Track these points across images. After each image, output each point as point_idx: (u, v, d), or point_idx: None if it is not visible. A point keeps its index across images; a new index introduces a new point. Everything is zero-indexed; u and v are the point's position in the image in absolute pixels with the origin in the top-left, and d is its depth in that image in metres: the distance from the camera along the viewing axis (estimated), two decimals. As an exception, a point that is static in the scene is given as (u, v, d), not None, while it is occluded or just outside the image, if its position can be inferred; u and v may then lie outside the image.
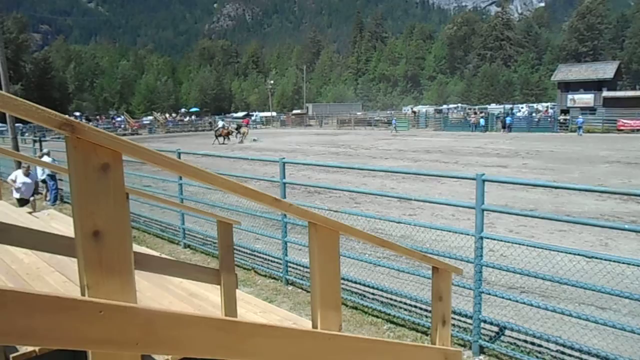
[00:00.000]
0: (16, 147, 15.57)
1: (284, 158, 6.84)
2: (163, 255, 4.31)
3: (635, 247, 7.75)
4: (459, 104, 79.59)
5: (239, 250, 7.71)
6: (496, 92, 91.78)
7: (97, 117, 70.71)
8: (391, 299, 5.96)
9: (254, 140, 36.36)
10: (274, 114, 74.14)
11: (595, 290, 4.16)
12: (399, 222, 5.81)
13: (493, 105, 68.90)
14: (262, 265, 7.45)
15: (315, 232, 1.84)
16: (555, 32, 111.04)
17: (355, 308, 5.90)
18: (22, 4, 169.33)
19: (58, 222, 6.11)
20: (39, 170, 11.79)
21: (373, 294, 6.10)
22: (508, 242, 4.79)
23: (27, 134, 29.83)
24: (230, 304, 2.99)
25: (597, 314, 4.59)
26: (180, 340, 1.26)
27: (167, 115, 68.63)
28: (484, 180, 4.58)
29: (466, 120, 47.38)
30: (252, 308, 3.94)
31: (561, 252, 4.37)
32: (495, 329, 5.06)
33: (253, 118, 66.89)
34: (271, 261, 7.49)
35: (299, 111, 77.36)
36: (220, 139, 34.76)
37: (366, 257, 6.59)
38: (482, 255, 4.69)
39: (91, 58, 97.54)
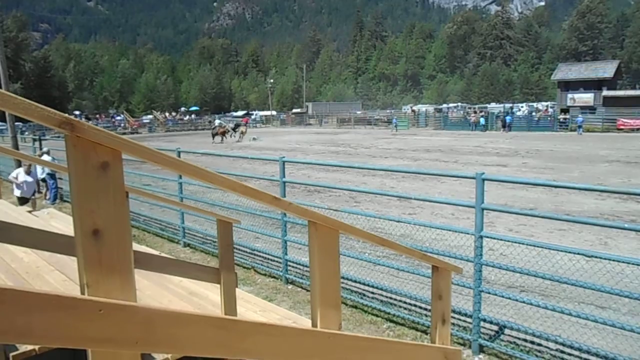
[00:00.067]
0: (16, 146, 15.55)
1: (283, 157, 6.83)
2: (163, 254, 4.31)
3: (635, 246, 7.76)
4: (459, 103, 79.59)
5: (239, 249, 7.71)
6: (496, 91, 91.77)
7: (97, 116, 70.74)
8: (391, 298, 5.96)
9: (254, 139, 36.37)
10: (274, 113, 74.11)
11: (595, 289, 4.16)
12: (398, 221, 5.81)
13: (493, 105, 68.91)
14: (261, 264, 7.45)
15: (315, 231, 1.84)
16: (555, 31, 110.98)
17: (355, 307, 5.90)
18: (21, 2, 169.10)
19: (58, 221, 6.11)
20: (39, 169, 11.79)
21: (373, 292, 6.10)
22: (508, 241, 4.79)
23: (26, 133, 29.82)
24: (230, 302, 2.99)
25: (596, 313, 4.60)
26: (180, 338, 1.26)
27: (167, 114, 68.64)
28: (483, 180, 4.58)
29: (466, 120, 47.40)
30: (252, 307, 3.94)
31: (561, 251, 4.38)
32: (495, 327, 5.06)
33: (253, 117, 66.86)
34: (271, 260, 7.49)
35: (298, 110, 77.33)
36: (217, 138, 34.77)
37: (366, 256, 6.60)
38: (481, 254, 4.69)
39: (91, 57, 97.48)
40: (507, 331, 4.98)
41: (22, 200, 10.62)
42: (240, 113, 73.39)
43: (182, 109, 79.64)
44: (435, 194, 12.33)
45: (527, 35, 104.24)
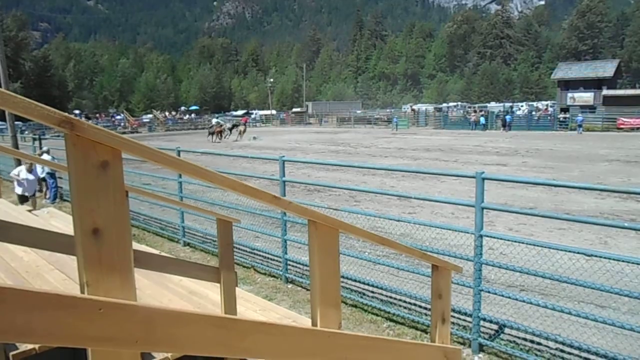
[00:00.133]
0: (16, 145, 15.55)
1: (283, 156, 6.83)
2: (163, 253, 4.31)
3: (635, 245, 7.76)
4: (459, 102, 79.58)
5: (239, 249, 7.71)
6: (496, 90, 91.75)
7: (97, 115, 70.70)
8: (391, 297, 5.96)
9: (254, 138, 36.39)
10: (274, 112, 74.11)
11: (595, 289, 4.16)
12: (398, 220, 5.81)
13: (493, 104, 68.91)
14: (261, 263, 7.45)
15: (315, 230, 1.84)
16: (555, 30, 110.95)
17: (355, 306, 5.91)
18: (21, 2, 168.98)
19: (58, 220, 6.11)
20: (39, 168, 11.80)
21: (373, 292, 6.10)
22: (508, 240, 4.78)
23: (26, 132, 29.81)
24: (229, 302, 2.99)
25: (596, 312, 4.60)
26: (180, 338, 1.26)
27: (167, 113, 68.65)
28: (483, 179, 4.58)
29: (466, 119, 47.42)
30: (252, 306, 3.94)
31: (561, 250, 4.38)
32: (495, 327, 5.06)
33: (253, 116, 66.85)
34: (271, 259, 7.49)
35: (298, 109, 77.33)
36: (214, 137, 34.77)
37: (366, 255, 6.60)
38: (481, 254, 4.69)
39: (91, 56, 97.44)
40: (507, 330, 4.99)
41: (23, 198, 10.64)
42: (240, 112, 73.41)
43: (182, 108, 79.66)
44: (435, 193, 12.33)
45: (527, 34, 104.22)
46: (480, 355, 4.76)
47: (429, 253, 2.87)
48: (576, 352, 4.50)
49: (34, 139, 15.28)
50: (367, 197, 12.06)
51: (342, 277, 5.83)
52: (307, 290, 6.28)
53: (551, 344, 4.65)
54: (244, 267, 7.41)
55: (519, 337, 4.87)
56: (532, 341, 4.78)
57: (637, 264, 3.91)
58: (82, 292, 1.20)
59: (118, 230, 1.25)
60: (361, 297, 5.98)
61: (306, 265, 6.54)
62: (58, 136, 16.07)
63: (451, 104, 77.73)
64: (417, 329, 5.31)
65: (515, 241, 4.71)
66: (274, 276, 7.08)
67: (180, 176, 8.66)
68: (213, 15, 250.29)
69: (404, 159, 21.45)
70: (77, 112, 67.90)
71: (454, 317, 5.06)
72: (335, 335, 1.82)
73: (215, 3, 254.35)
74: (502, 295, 4.79)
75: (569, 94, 44.94)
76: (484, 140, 30.84)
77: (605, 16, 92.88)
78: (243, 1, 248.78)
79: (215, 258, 7.39)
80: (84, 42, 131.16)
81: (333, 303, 1.92)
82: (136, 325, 1.16)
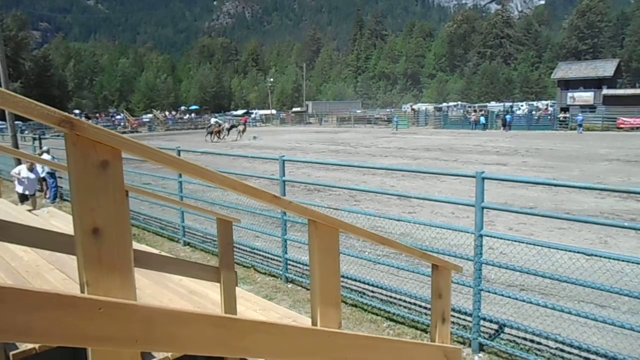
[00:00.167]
0: (16, 145, 15.56)
1: (283, 156, 6.83)
2: (163, 253, 4.31)
3: (635, 244, 7.76)
4: (459, 102, 79.61)
5: (239, 248, 7.72)
6: (496, 90, 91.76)
7: (97, 114, 70.69)
8: (391, 297, 5.96)
9: (254, 137, 36.42)
10: (274, 111, 74.11)
11: (595, 288, 4.16)
12: (398, 220, 5.81)
13: (493, 103, 68.93)
14: (261, 263, 7.45)
15: (315, 229, 1.84)
16: (555, 30, 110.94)
17: (355, 306, 5.91)
18: (21, 1, 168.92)
19: (57, 220, 6.12)
20: (39, 167, 11.81)
21: (373, 291, 6.10)
22: (508, 239, 4.78)
23: (26, 132, 29.81)
24: (229, 301, 2.99)
25: (596, 312, 4.60)
26: (180, 337, 1.26)
27: (167, 113, 68.64)
28: (483, 178, 4.58)
29: (466, 118, 47.41)
30: (252, 305, 3.94)
31: (561, 249, 4.38)
32: (495, 326, 5.06)
33: (253, 116, 66.85)
34: (271, 259, 7.50)
35: (298, 109, 77.34)
36: (212, 136, 34.78)
37: (366, 254, 6.60)
38: (481, 253, 4.69)
39: (91, 56, 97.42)
40: (506, 330, 4.99)
41: (23, 197, 10.64)
42: (240, 112, 73.40)
43: (182, 107, 79.66)
44: (435, 192, 12.33)
45: (527, 34, 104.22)
46: (480, 354, 4.77)
47: (429, 252, 2.87)
48: (576, 351, 4.51)
49: (34, 139, 15.28)
50: (367, 196, 12.06)
51: (342, 276, 5.83)
52: (307, 289, 6.28)
53: (551, 343, 4.66)
54: (244, 266, 7.41)
55: (519, 337, 4.87)
56: (532, 341, 4.78)
57: (637, 263, 3.91)
58: (82, 291, 1.20)
59: (118, 229, 1.25)
60: (361, 297, 5.98)
61: (306, 265, 6.54)
62: (58, 136, 16.07)
63: (451, 103, 77.77)
64: (417, 328, 5.31)
65: (515, 241, 4.71)
66: (274, 276, 7.08)
67: (180, 176, 8.67)
68: (213, 15, 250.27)
69: (404, 159, 21.45)
70: (77, 111, 67.87)
71: (454, 316, 5.06)
72: (335, 334, 1.82)
73: (215, 3, 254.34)
74: (502, 295, 4.79)
75: (569, 94, 44.92)
76: (484, 140, 30.84)
77: (605, 16, 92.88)
78: (243, 1, 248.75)
79: (215, 258, 7.39)
80: (84, 41, 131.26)
81: (333, 302, 1.92)
82: (136, 325, 1.16)
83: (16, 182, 10.73)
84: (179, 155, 7.89)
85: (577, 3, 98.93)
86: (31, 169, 10.66)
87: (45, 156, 11.36)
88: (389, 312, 5.63)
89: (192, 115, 69.70)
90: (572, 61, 60.01)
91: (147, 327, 1.18)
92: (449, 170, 15.58)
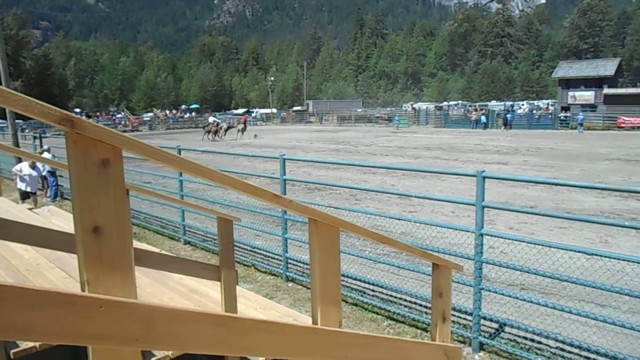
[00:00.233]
0: (16, 144, 15.56)
1: (284, 155, 6.83)
2: (163, 252, 4.32)
3: (636, 244, 7.76)
4: (460, 101, 79.57)
5: (239, 247, 7.72)
6: (497, 89, 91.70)
7: (98, 113, 70.72)
8: (391, 296, 5.96)
9: (255, 136, 36.46)
10: (274, 110, 74.13)
11: (595, 288, 4.15)
12: (399, 219, 5.80)
13: (494, 102, 68.89)
14: (262, 262, 7.45)
15: (315, 228, 1.84)
16: (556, 29, 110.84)
17: (356, 305, 5.91)
18: (22, 0, 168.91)
19: (58, 219, 6.12)
20: (39, 166, 11.81)
21: (373, 290, 6.10)
22: (508, 239, 4.78)
23: (27, 131, 29.82)
24: (230, 300, 2.99)
25: (597, 311, 4.59)
26: (181, 336, 1.26)
27: (167, 111, 68.68)
28: (484, 177, 4.57)
29: (467, 117, 47.37)
30: (252, 304, 3.94)
31: (561, 249, 4.37)
32: (495, 325, 5.06)
33: (253, 115, 66.87)
34: (271, 258, 7.50)
35: (299, 108, 77.33)
36: (210, 136, 34.76)
37: (366, 253, 6.60)
38: (482, 252, 4.69)
39: (91, 54, 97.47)
40: (507, 329, 4.99)
41: (25, 195, 10.63)
42: (240, 111, 73.43)
43: (183, 106, 79.65)
44: (436, 191, 12.33)
45: (528, 33, 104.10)
46: (480, 353, 4.77)
47: (429, 252, 2.87)
48: (576, 350, 4.50)
49: (35, 137, 15.29)
50: (368, 195, 12.06)
51: (343, 275, 5.83)
52: (308, 288, 6.28)
53: (551, 342, 4.65)
54: (245, 265, 7.41)
55: (519, 336, 4.87)
56: (532, 340, 4.78)
57: (638, 262, 3.90)
58: (83, 290, 1.20)
59: (118, 228, 1.25)
60: (362, 296, 5.99)
61: (307, 264, 6.54)
62: (59, 134, 16.07)
63: (452, 102, 77.71)
64: (417, 327, 5.31)
65: (515, 240, 4.70)
66: (274, 274, 7.08)
67: (180, 174, 8.67)
68: (213, 14, 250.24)
69: (405, 158, 21.44)
70: (77, 110, 67.80)
71: (454, 315, 5.07)
72: (335, 333, 1.82)
73: (215, 1, 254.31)
74: (503, 294, 4.79)
75: (570, 93, 44.88)
76: (484, 139, 30.82)
77: (607, 15, 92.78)
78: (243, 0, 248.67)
79: (215, 256, 7.39)
80: (84, 40, 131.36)
81: (333, 301, 1.92)
82: (136, 323, 1.16)
83: (18, 179, 10.73)
84: (180, 154, 7.89)
85: (578, 2, 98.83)
86: (33, 166, 10.66)
87: (45, 155, 11.36)
88: (389, 311, 5.63)
89: (193, 114, 69.69)
90: (573, 60, 59.96)
91: (148, 326, 1.18)
92: (450, 169, 15.57)
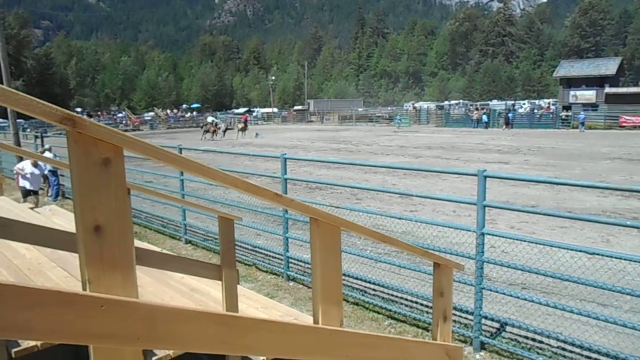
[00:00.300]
0: (18, 143, 15.59)
1: (285, 154, 6.83)
2: (164, 251, 4.32)
3: (637, 243, 7.75)
4: (461, 100, 79.52)
5: (240, 246, 7.72)
6: (498, 88, 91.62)
7: (99, 113, 70.77)
8: (392, 295, 5.96)
9: (256, 135, 36.49)
10: (275, 110, 74.12)
11: (597, 287, 4.15)
12: (400, 218, 5.80)
13: (495, 102, 68.81)
14: (263, 261, 7.45)
15: (316, 227, 1.84)
16: (557, 28, 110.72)
17: (357, 304, 5.91)
18: (23, 0, 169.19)
19: (59, 218, 6.13)
20: (42, 165, 11.82)
21: (374, 290, 6.10)
22: (509, 238, 4.78)
23: (28, 130, 29.85)
24: (231, 299, 2.99)
25: (598, 311, 4.59)
26: (182, 335, 1.26)
27: (169, 111, 68.69)
28: (485, 177, 4.57)
29: (468, 117, 47.31)
30: (254, 304, 3.94)
31: (563, 248, 4.37)
32: (497, 325, 5.06)
33: (254, 114, 66.87)
34: (272, 257, 7.50)
35: (300, 107, 77.32)
36: (208, 135, 34.77)
37: (367, 253, 6.60)
38: (483, 252, 4.69)
39: (92, 54, 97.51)
40: (508, 328, 4.99)
41: (27, 193, 10.63)
42: (241, 110, 73.44)
43: (184, 106, 79.70)
44: (437, 191, 12.32)
45: (529, 32, 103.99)
46: (481, 353, 4.76)
47: (430, 251, 2.87)
48: (578, 350, 4.50)
49: (36, 137, 15.30)
50: (369, 195, 12.05)
51: (344, 274, 5.82)
52: (309, 288, 6.28)
53: (553, 342, 4.65)
54: (246, 264, 7.42)
55: (520, 335, 4.87)
56: (533, 339, 4.78)
57: (639, 262, 3.90)
58: (84, 289, 1.20)
59: (120, 227, 1.25)
60: (363, 295, 5.99)
61: (308, 263, 6.54)
62: (60, 134, 16.09)
63: (453, 101, 77.65)
64: (418, 326, 5.31)
65: (517, 239, 4.70)
66: (275, 274, 7.08)
67: (182, 174, 8.67)
68: (214, 13, 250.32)
69: (406, 157, 21.43)
70: (79, 109, 67.87)
71: (455, 315, 5.06)
72: (336, 333, 1.82)
73: (216, 1, 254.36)
74: (504, 294, 4.79)
75: (571, 92, 44.79)
76: (485, 138, 30.79)
77: (608, 14, 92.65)
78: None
79: (216, 256, 7.40)
80: (85, 40, 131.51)
81: (335, 301, 1.92)
82: (138, 323, 1.16)
83: (20, 178, 10.73)
84: (181, 153, 7.88)
85: (580, 1, 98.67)
86: (35, 164, 10.65)
87: (47, 154, 11.38)
88: (390, 310, 5.63)
89: (194, 113, 69.71)
90: (575, 59, 59.86)
91: (149, 325, 1.18)
92: (451, 168, 15.56)
